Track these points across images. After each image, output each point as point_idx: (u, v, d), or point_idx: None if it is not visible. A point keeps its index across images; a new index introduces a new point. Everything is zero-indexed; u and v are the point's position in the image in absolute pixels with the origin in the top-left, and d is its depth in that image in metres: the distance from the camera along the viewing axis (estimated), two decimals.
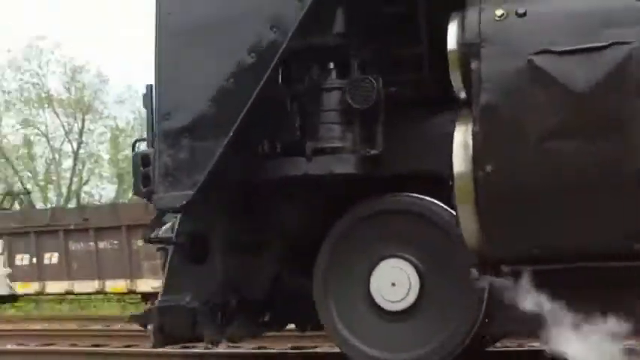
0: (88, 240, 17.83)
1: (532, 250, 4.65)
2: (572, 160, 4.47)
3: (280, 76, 5.66)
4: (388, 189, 5.31)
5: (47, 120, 38.05)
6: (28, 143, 38.23)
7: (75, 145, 37.77)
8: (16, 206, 24.40)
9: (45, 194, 37.66)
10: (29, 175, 38.45)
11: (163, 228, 6.03)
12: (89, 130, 38.24)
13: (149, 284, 15.78)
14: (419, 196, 5.27)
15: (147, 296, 15.49)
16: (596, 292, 4.53)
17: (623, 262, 4.46)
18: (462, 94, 4.83)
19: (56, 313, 18.28)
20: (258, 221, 5.87)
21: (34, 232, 18.56)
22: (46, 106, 37.88)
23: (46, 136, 38.00)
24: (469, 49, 4.74)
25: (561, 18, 4.61)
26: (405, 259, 5.40)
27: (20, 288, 18.92)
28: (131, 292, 17.80)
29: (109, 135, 38.62)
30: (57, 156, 38.32)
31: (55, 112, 37.58)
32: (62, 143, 38.11)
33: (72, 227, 18.02)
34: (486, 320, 5.15)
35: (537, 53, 4.53)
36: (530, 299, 4.56)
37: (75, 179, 37.92)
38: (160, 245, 6.16)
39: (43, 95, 37.65)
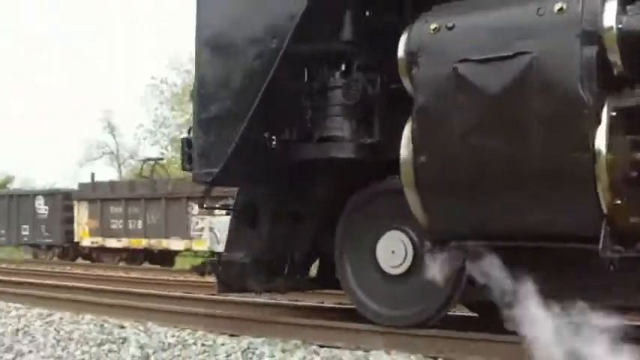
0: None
1: (462, 229, 5.59)
2: (486, 153, 5.30)
3: (306, 76, 6.80)
4: (390, 173, 6.18)
5: None
6: None
7: None
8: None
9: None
10: None
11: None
12: None
13: None
14: None
15: None
16: (518, 267, 5.22)
17: (533, 242, 5.28)
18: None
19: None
20: (297, 195, 7.14)
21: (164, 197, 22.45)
22: None
23: None
24: (411, 58, 5.75)
25: (479, 31, 5.44)
26: (403, 232, 6.36)
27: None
28: None
29: None
30: None
31: None
32: None
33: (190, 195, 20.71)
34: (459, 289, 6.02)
35: (460, 61, 5.38)
36: (473, 271, 5.48)
37: None
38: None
39: None
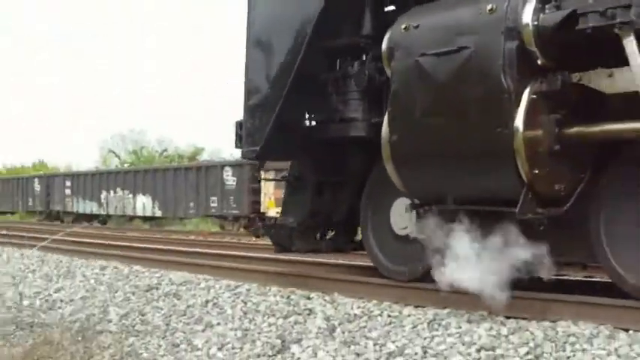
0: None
1: (428, 195, 6.83)
2: (438, 132, 6.47)
3: (328, 67, 8.27)
4: None
5: None
6: None
7: None
8: None
9: None
10: None
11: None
12: None
13: None
14: None
15: None
16: (478, 229, 6.21)
17: (474, 206, 6.39)
18: None
19: None
20: (334, 167, 8.50)
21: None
22: None
23: None
24: (390, 52, 6.99)
25: (435, 30, 6.60)
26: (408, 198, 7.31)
27: None
28: None
29: None
30: None
31: None
32: None
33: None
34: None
35: (421, 55, 6.56)
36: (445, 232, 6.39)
37: None
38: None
39: None
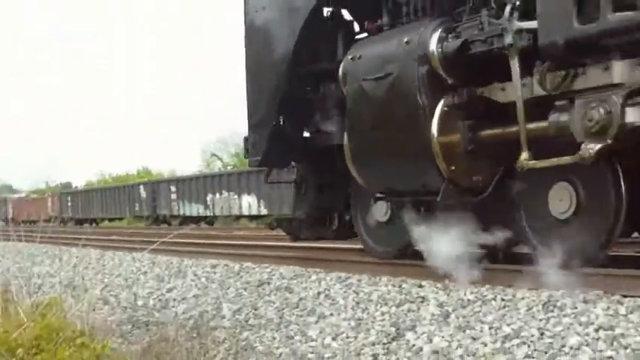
0: None
1: (379, 187, 8.93)
2: (378, 139, 8.23)
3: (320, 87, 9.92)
4: None
5: None
6: None
7: None
8: None
9: None
10: None
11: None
12: None
13: None
14: None
15: None
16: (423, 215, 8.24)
17: (412, 197, 8.35)
18: None
19: None
20: (329, 170, 10.01)
21: None
22: None
23: None
24: (344, 77, 8.74)
25: (372, 59, 8.29)
26: None
27: None
28: None
29: None
30: None
31: None
32: None
33: None
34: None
35: (363, 80, 8.29)
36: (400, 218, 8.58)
37: None
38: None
39: None
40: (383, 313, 6.59)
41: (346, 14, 9.90)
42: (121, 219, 45.91)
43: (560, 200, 7.26)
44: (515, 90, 6.90)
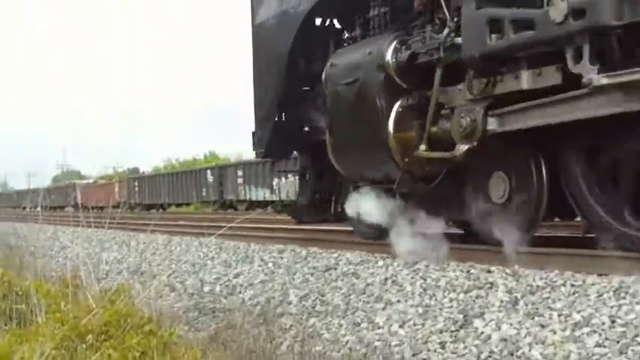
0: None
1: (355, 177, 10.40)
2: (351, 135, 9.76)
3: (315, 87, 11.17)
4: None
5: None
6: None
7: None
8: None
9: None
10: None
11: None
12: None
13: None
14: None
15: None
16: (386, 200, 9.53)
17: (377, 184, 9.76)
18: None
19: None
20: (325, 161, 10.64)
21: None
22: None
23: None
24: (326, 82, 10.14)
25: (344, 67, 9.78)
26: None
27: None
28: None
29: None
30: None
31: None
32: None
33: None
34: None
35: (338, 85, 9.75)
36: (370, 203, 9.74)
37: None
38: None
39: None
40: (451, 300, 6.59)
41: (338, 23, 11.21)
42: (188, 204, 46.35)
43: (498, 187, 8.42)
44: (432, 96, 8.51)
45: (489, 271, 7.05)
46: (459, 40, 8.04)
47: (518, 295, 6.22)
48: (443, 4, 8.38)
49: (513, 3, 7.54)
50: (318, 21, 11.15)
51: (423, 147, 8.59)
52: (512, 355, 5.37)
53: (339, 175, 10.75)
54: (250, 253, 10.78)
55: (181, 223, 21.86)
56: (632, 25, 6.45)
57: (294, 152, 12.42)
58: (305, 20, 10.76)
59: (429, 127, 8.57)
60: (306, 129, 11.58)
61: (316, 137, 11.04)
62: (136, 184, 54.15)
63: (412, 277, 7.46)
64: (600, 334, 5.15)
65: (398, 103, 8.98)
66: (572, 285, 6.14)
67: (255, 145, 12.23)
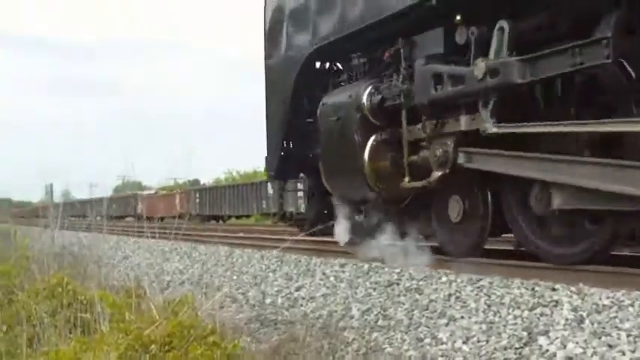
0: None
1: (341, 197, 12.19)
2: (336, 161, 11.72)
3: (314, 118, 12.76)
4: None
5: None
6: None
7: None
8: None
9: None
10: None
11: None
12: None
13: None
14: None
15: None
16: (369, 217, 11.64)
17: (358, 203, 11.90)
18: None
19: None
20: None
21: None
22: None
23: None
24: (320, 117, 12.11)
25: (332, 106, 11.78)
26: None
27: None
28: None
29: None
30: None
31: None
32: None
33: None
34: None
35: (329, 120, 11.66)
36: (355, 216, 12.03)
37: None
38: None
39: None
40: (515, 317, 6.55)
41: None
42: (248, 216, 46.56)
43: (454, 208, 10.16)
44: (403, 133, 10.37)
45: (554, 289, 6.98)
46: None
47: (584, 314, 6.16)
48: (402, 59, 10.37)
49: (452, 61, 9.44)
50: (318, 64, 13.21)
51: (407, 179, 10.38)
52: None
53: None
54: (312, 266, 10.80)
55: (242, 235, 21.97)
56: (532, 83, 8.37)
57: (301, 175, 14.66)
58: (305, 63, 12.75)
59: (407, 160, 10.38)
60: (311, 155, 13.15)
61: (316, 162, 12.69)
62: (197, 195, 54.56)
63: (476, 294, 7.43)
64: None
65: (372, 138, 10.88)
66: None
67: (267, 168, 14.58)
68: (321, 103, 12.06)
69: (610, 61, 7.26)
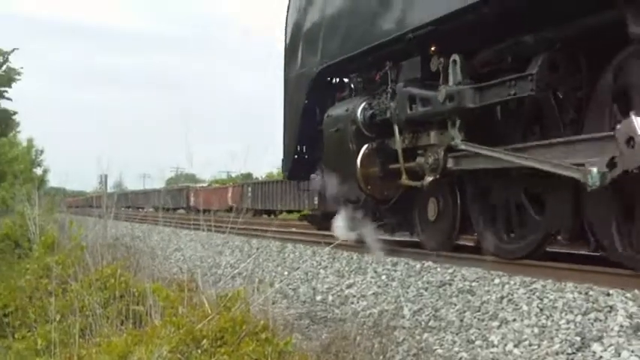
0: None
1: (340, 196, 13.51)
2: (336, 164, 13.38)
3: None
4: None
5: None
6: None
7: None
8: None
9: None
10: None
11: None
12: None
13: None
14: None
15: None
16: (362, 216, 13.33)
17: (352, 203, 13.61)
18: None
19: None
20: None
21: None
22: None
23: None
24: (324, 128, 13.82)
25: (334, 118, 13.47)
26: None
27: None
28: None
29: None
30: None
31: None
32: None
33: None
34: None
35: (331, 130, 13.42)
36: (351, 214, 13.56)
37: None
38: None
39: None
40: (568, 322, 6.51)
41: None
42: (299, 211, 46.63)
43: (431, 208, 11.93)
44: (397, 143, 11.73)
45: (608, 294, 6.91)
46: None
47: None
48: (390, 80, 11.95)
49: (428, 85, 10.89)
50: (329, 79, 14.89)
51: (404, 177, 11.71)
52: None
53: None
54: (363, 264, 10.82)
55: (294, 230, 22.03)
56: (482, 107, 9.83)
57: (311, 175, 15.83)
58: (315, 79, 14.46)
59: (403, 164, 11.69)
60: (319, 159, 14.91)
61: (317, 166, 14.89)
62: (249, 189, 54.73)
63: (529, 297, 7.38)
64: None
65: (364, 147, 12.47)
66: None
67: (283, 169, 16.55)
68: (325, 114, 13.85)
69: (533, 93, 8.85)
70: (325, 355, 6.89)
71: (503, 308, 7.31)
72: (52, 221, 24.86)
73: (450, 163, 10.68)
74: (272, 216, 48.16)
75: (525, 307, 7.12)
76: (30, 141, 51.15)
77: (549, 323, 6.60)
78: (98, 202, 23.43)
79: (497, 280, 8.21)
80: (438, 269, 9.32)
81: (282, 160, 16.19)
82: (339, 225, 13.77)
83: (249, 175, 73.70)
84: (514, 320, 6.91)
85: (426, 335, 7.28)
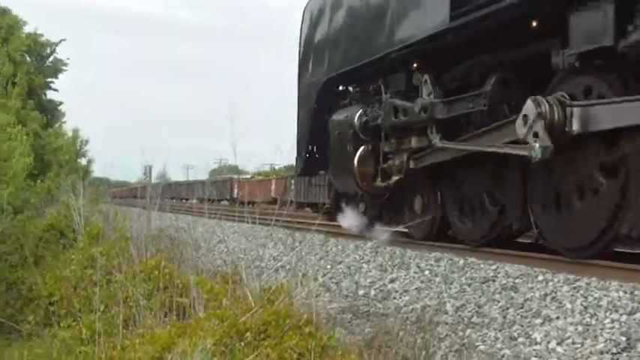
0: None
1: (341, 191, 16.02)
2: (338, 163, 15.35)
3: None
4: None
5: None
6: None
7: None
8: None
9: None
10: None
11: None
12: None
13: None
14: None
15: None
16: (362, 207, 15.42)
17: (351, 196, 15.61)
18: None
19: None
20: None
21: None
22: None
23: None
24: (330, 131, 15.61)
25: (337, 122, 15.21)
26: None
27: None
28: None
29: None
30: None
31: None
32: None
33: None
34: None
35: (335, 133, 15.25)
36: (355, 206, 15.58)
37: None
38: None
39: None
40: (612, 321, 6.48)
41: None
42: None
43: (417, 203, 13.29)
44: (381, 147, 13.72)
45: None
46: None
47: None
48: (382, 92, 13.74)
49: (411, 97, 12.58)
50: (333, 87, 16.51)
51: (379, 179, 13.81)
52: None
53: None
54: (406, 259, 10.82)
55: (335, 223, 22.02)
56: (450, 118, 11.64)
57: (321, 172, 18.40)
58: (322, 87, 16.27)
59: (381, 166, 13.72)
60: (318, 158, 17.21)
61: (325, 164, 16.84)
62: (292, 181, 54.74)
63: (572, 295, 7.36)
64: None
65: (361, 149, 14.16)
66: None
67: (296, 166, 18.45)
68: (330, 119, 15.66)
69: (485, 108, 10.67)
70: (368, 350, 6.92)
71: (546, 306, 7.29)
72: (97, 212, 25.02)
73: (412, 164, 12.80)
74: (314, 208, 48.17)
75: (569, 305, 7.10)
76: (75, 131, 51.42)
77: (593, 322, 6.57)
78: (142, 193, 23.57)
79: (540, 277, 8.18)
80: (482, 265, 9.30)
81: (296, 158, 18.10)
82: (343, 216, 15.81)
83: (292, 168, 73.82)
84: (557, 318, 6.90)
85: (468, 331, 7.29)
